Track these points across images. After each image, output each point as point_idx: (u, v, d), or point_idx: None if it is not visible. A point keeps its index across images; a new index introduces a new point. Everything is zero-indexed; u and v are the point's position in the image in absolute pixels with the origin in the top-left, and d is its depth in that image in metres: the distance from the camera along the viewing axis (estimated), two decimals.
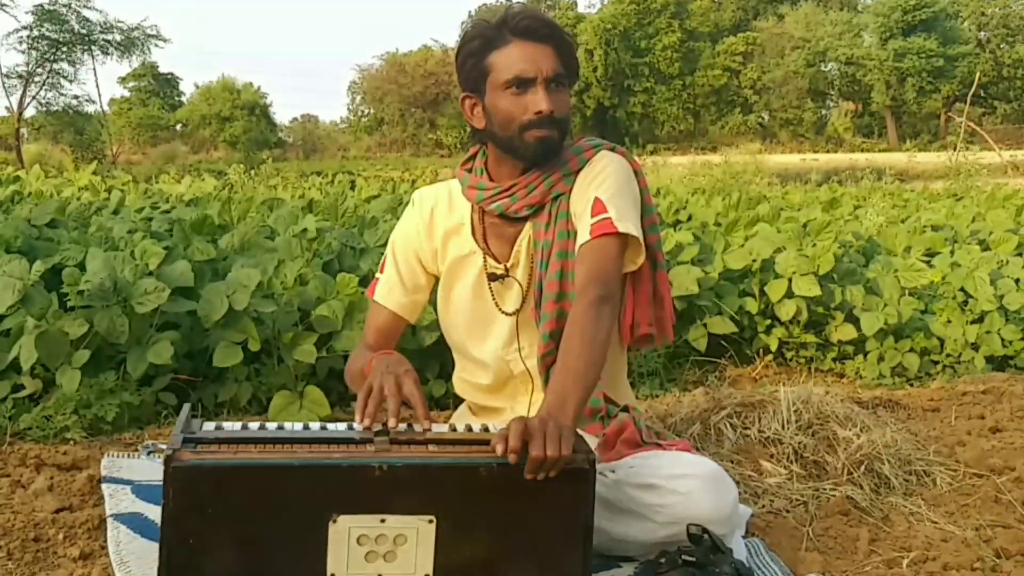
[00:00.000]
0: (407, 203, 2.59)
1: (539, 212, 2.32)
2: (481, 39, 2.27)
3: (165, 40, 41.04)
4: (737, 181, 15.92)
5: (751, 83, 58.08)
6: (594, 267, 2.16)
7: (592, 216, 2.20)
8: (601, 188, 2.23)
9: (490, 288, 2.39)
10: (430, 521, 1.77)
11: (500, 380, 2.43)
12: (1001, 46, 56.15)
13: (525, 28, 2.24)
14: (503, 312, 2.38)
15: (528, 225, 2.35)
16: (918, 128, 56.84)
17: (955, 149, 22.41)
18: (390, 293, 2.48)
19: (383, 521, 1.76)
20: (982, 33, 57.01)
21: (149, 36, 40.03)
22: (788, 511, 2.62)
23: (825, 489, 2.70)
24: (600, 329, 2.06)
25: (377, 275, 2.54)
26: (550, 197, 2.31)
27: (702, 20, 58.99)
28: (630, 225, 2.19)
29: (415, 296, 2.49)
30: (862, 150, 47.82)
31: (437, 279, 2.51)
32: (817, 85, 58.47)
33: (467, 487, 1.78)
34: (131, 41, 39.58)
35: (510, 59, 2.23)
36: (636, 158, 2.42)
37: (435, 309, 2.63)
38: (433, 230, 2.46)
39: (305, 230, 4.83)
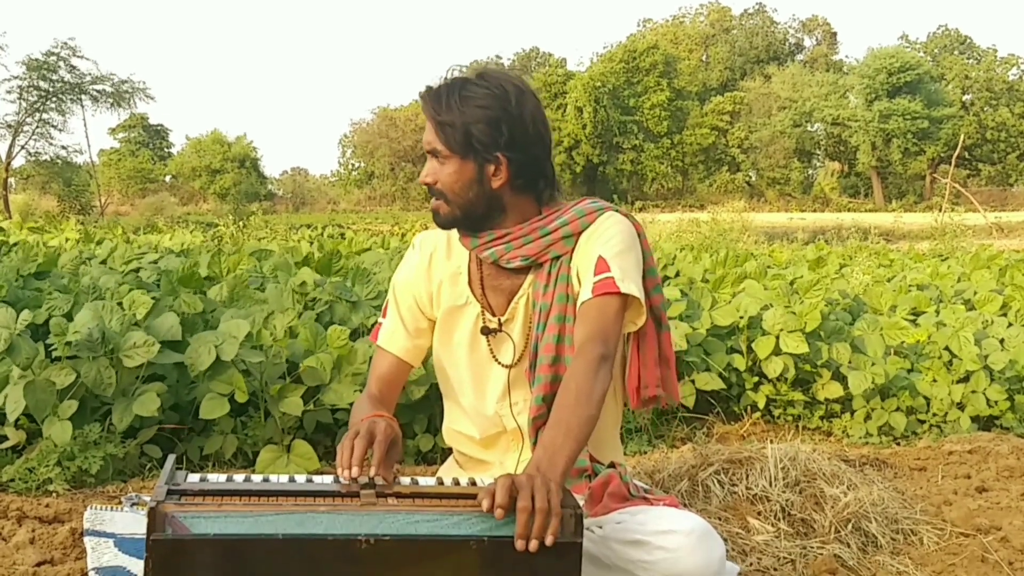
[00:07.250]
0: (408, 246, 2.58)
1: (538, 270, 2.32)
2: None
3: (152, 98, 41.40)
4: (724, 239, 16.02)
5: (738, 142, 58.74)
6: (595, 325, 2.16)
7: (595, 275, 2.20)
8: (605, 248, 2.23)
9: (488, 341, 2.38)
10: None
11: (491, 434, 2.40)
12: (985, 109, 56.99)
13: (422, 98, 2.27)
14: (500, 364, 2.37)
15: (527, 282, 2.34)
16: (904, 189, 57.45)
17: (940, 210, 22.63)
18: (392, 337, 2.45)
19: None
20: (966, 96, 57.88)
21: (137, 90, 40.35)
22: (775, 569, 2.61)
23: (812, 547, 2.70)
24: (596, 387, 2.05)
25: (380, 319, 2.51)
26: (548, 256, 2.30)
27: (690, 79, 59.79)
28: (632, 286, 2.19)
29: (418, 340, 2.46)
30: (848, 210, 48.22)
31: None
32: (803, 145, 59.11)
33: (456, 561, 1.75)
34: (120, 94, 39.83)
35: None
36: None
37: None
38: (431, 275, 2.44)
39: (304, 283, 4.82)
